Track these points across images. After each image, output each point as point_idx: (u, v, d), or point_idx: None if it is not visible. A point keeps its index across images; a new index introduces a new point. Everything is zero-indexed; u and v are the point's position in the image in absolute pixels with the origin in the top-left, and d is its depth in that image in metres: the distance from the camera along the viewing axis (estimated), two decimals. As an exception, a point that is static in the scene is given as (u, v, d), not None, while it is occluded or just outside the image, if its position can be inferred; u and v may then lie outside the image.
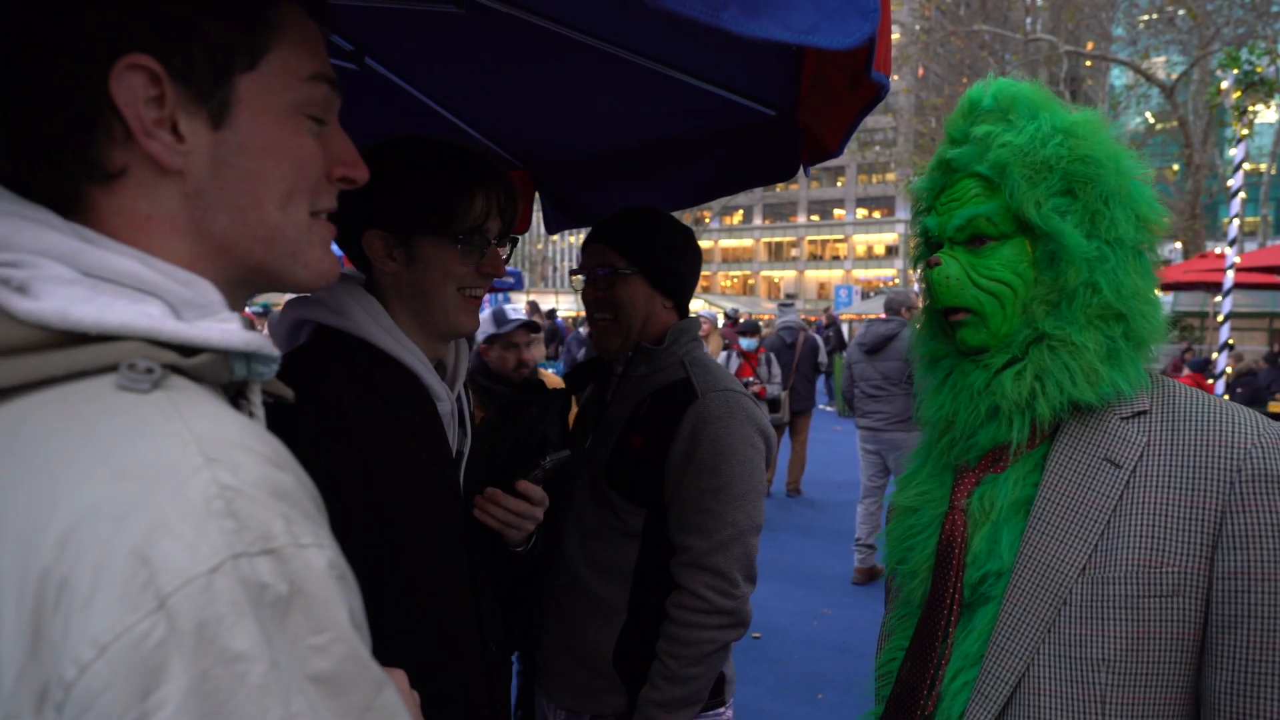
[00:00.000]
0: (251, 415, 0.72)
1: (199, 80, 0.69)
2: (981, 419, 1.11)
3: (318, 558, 0.58)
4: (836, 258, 64.02)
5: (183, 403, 0.60)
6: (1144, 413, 1.07)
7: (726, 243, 68.84)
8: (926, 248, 1.19)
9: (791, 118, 1.77)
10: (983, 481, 1.13)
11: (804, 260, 64.87)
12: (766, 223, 68.14)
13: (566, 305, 42.41)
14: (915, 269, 1.18)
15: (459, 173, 1.35)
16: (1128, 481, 1.03)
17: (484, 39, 1.76)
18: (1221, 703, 0.98)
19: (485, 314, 3.76)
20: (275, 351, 0.71)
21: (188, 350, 0.64)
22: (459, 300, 1.36)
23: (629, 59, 1.72)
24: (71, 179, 0.67)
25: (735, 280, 68.21)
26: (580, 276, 1.92)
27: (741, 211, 71.42)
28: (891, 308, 6.46)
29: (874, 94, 1.09)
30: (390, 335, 1.32)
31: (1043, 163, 1.07)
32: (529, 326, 3.51)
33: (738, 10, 0.73)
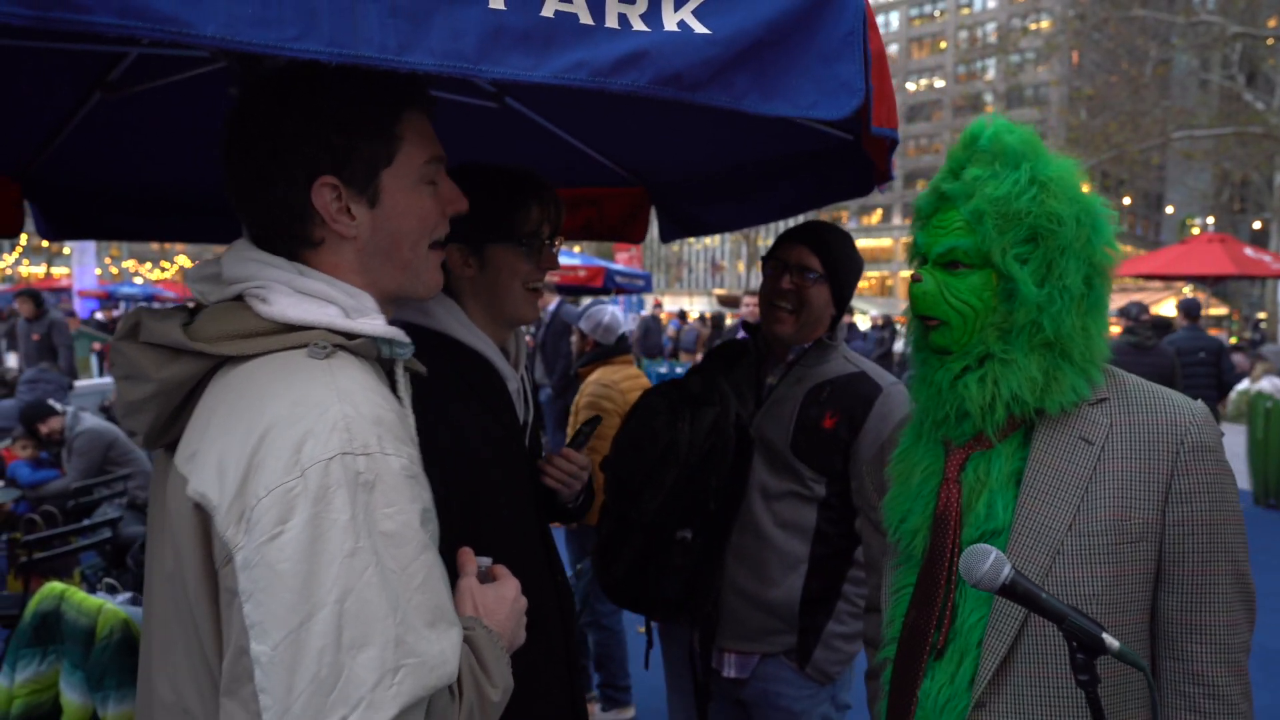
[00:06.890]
0: (396, 382, 1.14)
1: (360, 181, 1.10)
2: (951, 414, 1.34)
3: (395, 462, 0.97)
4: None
5: (338, 367, 1.00)
6: (1105, 400, 1.33)
7: (864, 243, 67.23)
8: (916, 256, 1.42)
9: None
10: (971, 457, 1.37)
11: (947, 260, 62.32)
12: (906, 221, 65.87)
13: (700, 306, 42.71)
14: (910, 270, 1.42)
15: (517, 189, 1.68)
16: (1099, 455, 1.29)
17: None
18: (1173, 617, 1.29)
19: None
20: (407, 339, 1.13)
21: (351, 336, 1.06)
22: (524, 294, 1.70)
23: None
24: (294, 246, 1.11)
25: (873, 281, 66.58)
26: (770, 265, 2.15)
27: (880, 211, 69.77)
28: (1192, 314, 7.55)
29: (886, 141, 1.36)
30: (468, 330, 1.66)
31: (1014, 213, 1.29)
32: None
33: (757, 96, 1.03)
